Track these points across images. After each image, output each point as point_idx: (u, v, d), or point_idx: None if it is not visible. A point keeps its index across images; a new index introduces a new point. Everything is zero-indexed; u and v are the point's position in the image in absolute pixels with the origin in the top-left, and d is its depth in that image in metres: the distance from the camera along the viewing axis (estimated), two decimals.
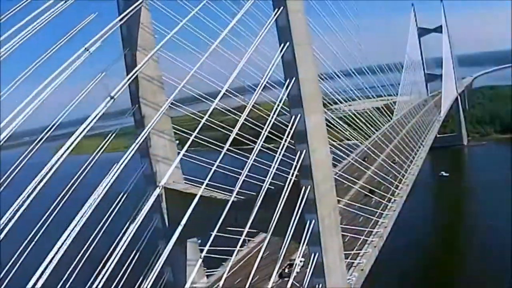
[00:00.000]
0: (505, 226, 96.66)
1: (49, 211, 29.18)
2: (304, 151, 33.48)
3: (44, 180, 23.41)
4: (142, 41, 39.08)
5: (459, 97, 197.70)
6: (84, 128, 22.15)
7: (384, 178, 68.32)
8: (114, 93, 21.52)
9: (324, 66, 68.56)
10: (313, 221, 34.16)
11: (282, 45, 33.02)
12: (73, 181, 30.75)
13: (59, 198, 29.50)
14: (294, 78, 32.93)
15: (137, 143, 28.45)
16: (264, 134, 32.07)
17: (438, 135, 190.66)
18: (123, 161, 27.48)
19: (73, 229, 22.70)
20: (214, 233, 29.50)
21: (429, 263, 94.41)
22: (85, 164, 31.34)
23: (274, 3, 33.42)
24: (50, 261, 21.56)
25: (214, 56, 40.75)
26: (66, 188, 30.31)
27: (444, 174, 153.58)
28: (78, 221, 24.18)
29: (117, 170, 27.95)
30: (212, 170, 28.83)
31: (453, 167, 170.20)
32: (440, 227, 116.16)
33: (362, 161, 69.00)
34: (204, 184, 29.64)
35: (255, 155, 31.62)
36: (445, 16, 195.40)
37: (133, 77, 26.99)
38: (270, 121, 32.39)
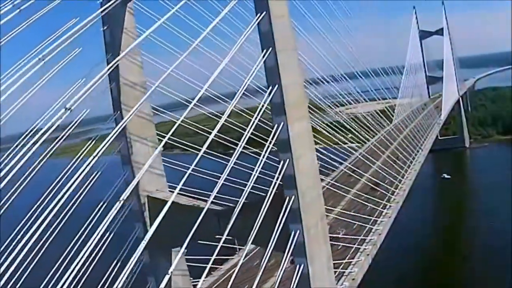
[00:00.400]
0: (506, 227, 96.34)
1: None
2: (288, 160, 32.54)
3: None
4: (126, 46, 38.24)
5: (460, 99, 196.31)
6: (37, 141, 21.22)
7: (379, 184, 67.45)
8: (70, 104, 20.54)
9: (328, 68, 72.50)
10: (298, 232, 33.18)
11: (265, 51, 32.11)
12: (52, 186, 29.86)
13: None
14: (276, 85, 32.01)
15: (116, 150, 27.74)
16: (245, 138, 31.48)
17: (440, 138, 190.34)
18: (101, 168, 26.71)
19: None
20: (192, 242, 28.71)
21: (428, 265, 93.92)
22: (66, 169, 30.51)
23: (256, 8, 32.54)
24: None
25: (205, 61, 41.79)
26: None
27: (446, 176, 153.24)
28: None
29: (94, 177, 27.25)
30: (186, 175, 27.84)
31: (455, 169, 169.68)
32: (441, 228, 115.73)
33: (355, 169, 67.98)
34: (176, 190, 28.57)
35: (235, 159, 30.87)
36: (446, 18, 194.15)
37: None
38: (251, 125, 31.69)
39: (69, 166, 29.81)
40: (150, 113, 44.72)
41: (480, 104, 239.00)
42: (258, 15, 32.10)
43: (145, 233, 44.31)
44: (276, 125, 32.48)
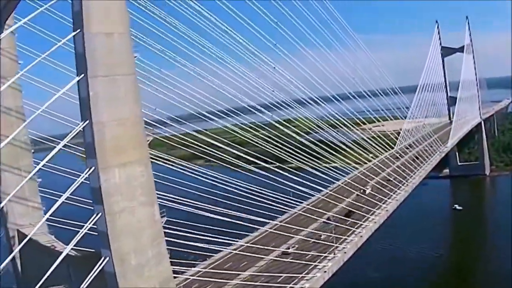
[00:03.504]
0: None
1: None
2: (100, 213, 26.01)
3: None
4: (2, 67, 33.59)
5: (483, 123, 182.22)
6: None
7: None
8: None
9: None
10: None
11: (77, 77, 25.81)
12: None
13: None
14: (87, 121, 25.58)
15: None
16: None
17: (459, 164, 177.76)
18: None
19: None
20: None
21: None
22: None
23: (74, 24, 26.36)
24: None
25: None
26: None
27: (458, 207, 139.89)
28: None
29: None
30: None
31: (470, 199, 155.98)
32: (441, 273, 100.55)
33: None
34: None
35: None
36: (470, 34, 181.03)
37: None
38: None
39: None
40: (27, 140, 39.97)
41: (509, 128, 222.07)
42: (74, 33, 25.87)
43: (15, 270, 40.26)
44: (87, 169, 26.02)
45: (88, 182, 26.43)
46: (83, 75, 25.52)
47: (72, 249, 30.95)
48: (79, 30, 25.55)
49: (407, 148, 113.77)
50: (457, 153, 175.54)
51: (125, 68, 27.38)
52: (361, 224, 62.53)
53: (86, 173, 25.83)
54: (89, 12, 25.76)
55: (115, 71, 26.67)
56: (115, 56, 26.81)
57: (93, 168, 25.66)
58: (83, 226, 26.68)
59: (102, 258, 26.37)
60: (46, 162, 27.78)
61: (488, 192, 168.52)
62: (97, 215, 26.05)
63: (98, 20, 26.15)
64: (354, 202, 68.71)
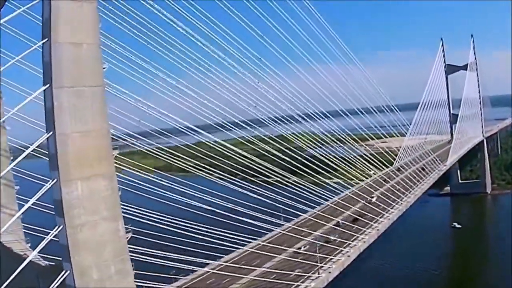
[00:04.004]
0: None
1: None
2: (61, 226, 25.47)
3: None
4: None
5: (485, 141, 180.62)
6: None
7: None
8: None
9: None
10: None
11: (43, 87, 25.44)
12: None
13: None
14: (51, 132, 25.15)
15: None
16: None
17: (460, 182, 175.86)
18: None
19: None
20: None
21: None
22: None
23: (42, 32, 26.04)
24: None
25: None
26: None
27: (457, 225, 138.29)
28: None
29: None
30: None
31: (469, 217, 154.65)
32: None
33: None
34: None
35: None
36: (474, 52, 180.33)
37: None
38: None
39: None
40: (6, 148, 39.70)
41: None
42: (42, 41, 25.56)
43: None
44: (50, 181, 25.54)
45: None
46: (48, 85, 25.11)
47: (45, 259, 30.37)
48: (46, 39, 25.17)
49: (405, 167, 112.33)
50: (458, 171, 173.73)
51: (93, 79, 26.93)
52: (349, 244, 61.44)
53: (49, 185, 25.33)
54: (58, 20, 25.43)
55: (82, 82, 26.25)
56: (83, 67, 26.42)
57: (55, 180, 25.15)
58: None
59: (64, 271, 25.78)
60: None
61: (489, 210, 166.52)
62: (58, 227, 25.48)
63: (67, 30, 25.80)
64: (343, 222, 67.47)
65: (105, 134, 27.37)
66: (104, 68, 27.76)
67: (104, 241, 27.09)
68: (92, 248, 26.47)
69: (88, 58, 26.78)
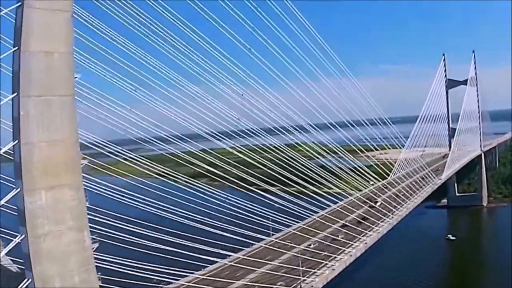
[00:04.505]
0: None
1: None
2: (23, 235, 25.37)
3: None
4: None
5: (483, 155, 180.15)
6: None
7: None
8: None
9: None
10: None
11: (11, 95, 25.42)
12: None
13: None
14: (16, 141, 25.11)
15: None
16: None
17: (457, 194, 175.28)
18: None
19: None
20: None
21: None
22: None
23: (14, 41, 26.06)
24: None
25: None
26: None
27: (451, 237, 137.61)
28: None
29: None
30: None
31: (465, 229, 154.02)
32: None
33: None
34: None
35: None
36: (475, 67, 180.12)
37: None
38: None
39: None
40: None
41: (511, 160, 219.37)
42: (12, 49, 25.57)
43: None
44: (13, 190, 25.46)
45: None
46: (15, 93, 25.11)
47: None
48: (17, 48, 25.19)
49: (402, 178, 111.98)
50: (456, 184, 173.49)
51: (63, 89, 26.90)
52: (335, 257, 60.93)
53: (12, 194, 25.26)
54: (29, 30, 25.43)
55: (51, 92, 26.21)
56: (53, 77, 26.39)
57: (19, 189, 25.08)
58: None
59: (25, 280, 25.67)
60: None
61: (484, 223, 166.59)
62: (21, 236, 25.39)
63: (38, 38, 25.81)
64: (330, 236, 66.95)
65: (73, 144, 27.28)
66: (76, 77, 27.73)
67: (70, 251, 26.97)
68: (57, 258, 26.35)
69: (59, 67, 26.76)
